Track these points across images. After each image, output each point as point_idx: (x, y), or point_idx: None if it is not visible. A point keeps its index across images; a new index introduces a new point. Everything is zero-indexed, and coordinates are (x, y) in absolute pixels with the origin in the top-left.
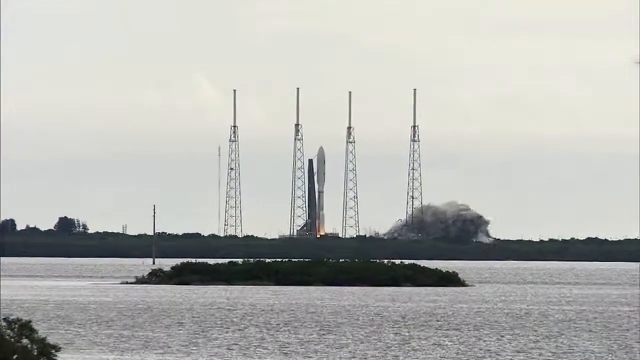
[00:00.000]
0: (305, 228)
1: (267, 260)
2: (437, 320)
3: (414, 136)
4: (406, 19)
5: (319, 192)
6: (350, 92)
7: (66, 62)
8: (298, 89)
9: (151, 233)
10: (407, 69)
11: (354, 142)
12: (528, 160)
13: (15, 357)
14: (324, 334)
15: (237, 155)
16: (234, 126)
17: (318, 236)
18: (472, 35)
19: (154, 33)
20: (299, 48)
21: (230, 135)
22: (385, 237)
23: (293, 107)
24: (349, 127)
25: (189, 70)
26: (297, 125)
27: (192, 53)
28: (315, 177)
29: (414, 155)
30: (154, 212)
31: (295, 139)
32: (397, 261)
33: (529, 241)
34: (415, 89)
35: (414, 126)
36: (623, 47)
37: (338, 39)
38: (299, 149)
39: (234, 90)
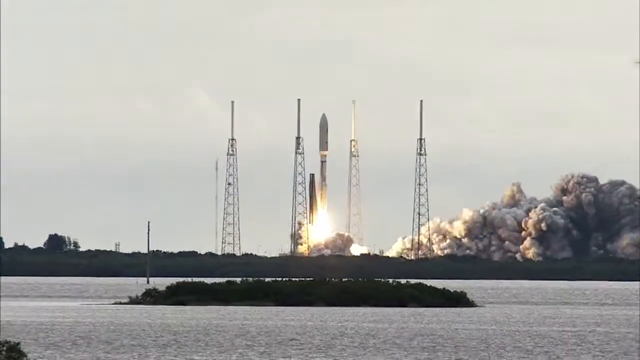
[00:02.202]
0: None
1: (267, 279)
2: (444, 341)
3: (421, 149)
4: (412, 29)
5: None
6: (353, 103)
7: (58, 75)
8: (299, 100)
9: (145, 251)
10: (413, 79)
11: (358, 155)
12: (540, 174)
13: None
14: (322, 357)
15: (235, 170)
16: (232, 139)
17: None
18: (480, 45)
19: (150, 44)
20: (300, 58)
21: (228, 149)
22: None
23: (294, 119)
24: (353, 140)
25: (185, 82)
26: (297, 138)
27: (189, 64)
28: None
29: (420, 169)
30: (148, 229)
31: (296, 153)
32: (403, 280)
33: (539, 260)
34: (421, 101)
35: (421, 139)
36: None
37: (341, 49)
38: (299, 163)
39: (232, 102)
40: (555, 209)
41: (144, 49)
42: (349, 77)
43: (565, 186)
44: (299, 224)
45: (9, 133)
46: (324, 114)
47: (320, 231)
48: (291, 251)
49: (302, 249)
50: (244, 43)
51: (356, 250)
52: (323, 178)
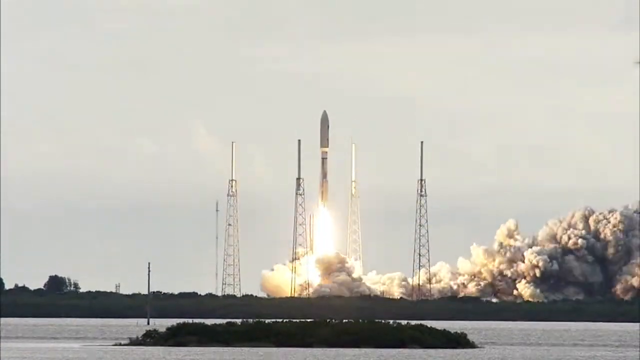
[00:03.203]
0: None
1: (267, 320)
2: None
3: (421, 190)
4: (412, 68)
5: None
6: (353, 145)
7: (57, 114)
8: (299, 141)
9: (145, 292)
10: (413, 119)
11: (358, 196)
12: (543, 214)
13: None
14: None
15: (235, 211)
16: (233, 180)
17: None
18: (481, 84)
19: (150, 83)
20: (301, 97)
21: (229, 190)
22: None
23: (294, 160)
24: (353, 181)
25: (186, 122)
26: (298, 179)
27: (189, 103)
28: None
29: (420, 210)
30: (149, 270)
31: (296, 194)
32: (403, 322)
33: (540, 302)
34: (422, 142)
35: (421, 180)
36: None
37: (341, 89)
38: (300, 204)
39: (232, 142)
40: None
41: (144, 88)
42: (349, 117)
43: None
44: (298, 258)
45: (9, 173)
46: (324, 111)
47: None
48: (291, 292)
49: (303, 291)
50: (244, 83)
51: (357, 269)
52: (324, 175)
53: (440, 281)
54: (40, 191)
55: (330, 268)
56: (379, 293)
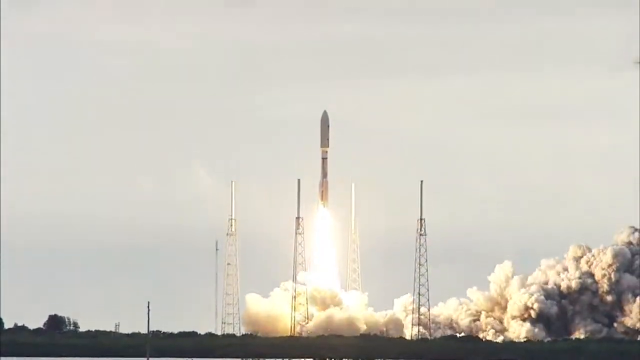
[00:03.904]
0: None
1: None
2: None
3: (421, 229)
4: (412, 106)
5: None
6: (353, 185)
7: (57, 152)
8: (299, 180)
9: (145, 331)
10: (413, 158)
11: (357, 235)
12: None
13: None
14: None
15: (235, 250)
16: (232, 219)
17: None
18: (481, 123)
19: (149, 122)
20: (300, 136)
21: (228, 229)
22: None
23: (294, 199)
24: (352, 220)
25: (184, 161)
26: (298, 218)
27: (189, 143)
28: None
29: (420, 249)
30: (148, 310)
31: (296, 233)
32: None
33: (539, 340)
34: (422, 181)
35: (421, 219)
36: None
37: (340, 127)
38: (300, 244)
39: (232, 182)
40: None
41: (144, 129)
42: (349, 157)
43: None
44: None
45: (9, 211)
46: (325, 111)
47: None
48: (291, 330)
49: (303, 329)
50: (243, 122)
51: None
52: (324, 174)
53: (439, 322)
54: (40, 230)
55: (325, 303)
56: (378, 332)
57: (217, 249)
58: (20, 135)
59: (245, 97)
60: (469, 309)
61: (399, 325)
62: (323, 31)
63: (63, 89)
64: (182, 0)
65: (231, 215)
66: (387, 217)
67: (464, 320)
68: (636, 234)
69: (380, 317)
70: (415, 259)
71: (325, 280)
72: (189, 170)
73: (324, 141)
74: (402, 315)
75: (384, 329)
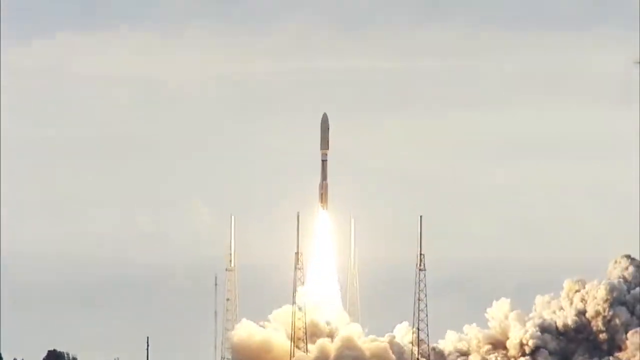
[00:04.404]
0: None
1: None
2: None
3: (420, 265)
4: (411, 141)
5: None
6: (352, 220)
7: (56, 188)
8: (298, 213)
9: None
10: (413, 194)
11: (357, 271)
12: (544, 288)
13: None
14: None
15: (234, 285)
16: (231, 254)
17: None
18: (482, 157)
19: (149, 157)
20: (299, 171)
21: (228, 264)
22: None
23: (293, 233)
24: (352, 256)
25: (184, 196)
26: (297, 253)
27: (188, 178)
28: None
29: (419, 284)
30: (147, 345)
31: (295, 268)
32: None
33: None
34: (421, 216)
35: (420, 254)
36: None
37: (340, 163)
38: (299, 279)
39: (232, 216)
40: None
41: (141, 162)
42: (348, 190)
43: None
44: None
45: (8, 246)
46: (325, 113)
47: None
48: None
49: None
50: (242, 157)
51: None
52: (324, 177)
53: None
54: (40, 266)
55: (321, 333)
56: None
57: (216, 284)
58: (18, 173)
59: (244, 131)
60: (469, 345)
61: (400, 350)
62: (321, 64)
63: (60, 124)
64: (180, 33)
65: (230, 250)
66: (386, 252)
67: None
68: (630, 267)
69: (379, 343)
70: (415, 293)
71: (324, 307)
72: (188, 207)
73: (324, 144)
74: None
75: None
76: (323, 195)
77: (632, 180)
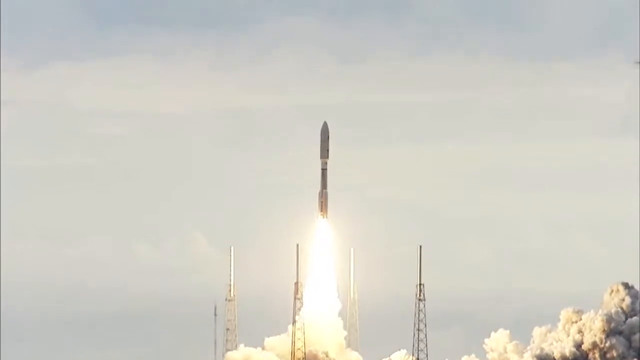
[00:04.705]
0: None
1: None
2: None
3: (420, 295)
4: (410, 172)
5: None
6: (351, 250)
7: (54, 218)
8: (297, 245)
9: None
10: (412, 224)
11: (356, 301)
12: (542, 320)
13: None
14: None
15: (234, 316)
16: (231, 284)
17: None
18: (481, 188)
19: (148, 187)
20: (299, 202)
21: (227, 294)
22: None
23: (292, 264)
24: (351, 286)
25: (183, 227)
26: (296, 283)
27: (186, 208)
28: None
29: (419, 314)
30: None
31: (295, 298)
32: None
33: None
34: (420, 246)
35: (420, 284)
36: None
37: (339, 193)
38: (299, 309)
39: (231, 247)
40: None
41: (140, 193)
42: (347, 223)
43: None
44: None
45: (6, 276)
46: (325, 122)
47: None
48: None
49: None
50: (241, 188)
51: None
52: (324, 186)
53: None
54: (37, 295)
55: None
56: None
57: (215, 315)
58: (17, 203)
59: (242, 163)
60: None
61: None
62: (320, 97)
63: (58, 154)
64: (178, 66)
65: (230, 280)
66: (385, 281)
67: None
68: (627, 298)
69: None
70: (414, 324)
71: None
72: (188, 237)
73: (324, 152)
74: None
75: None
76: (323, 204)
77: (630, 210)
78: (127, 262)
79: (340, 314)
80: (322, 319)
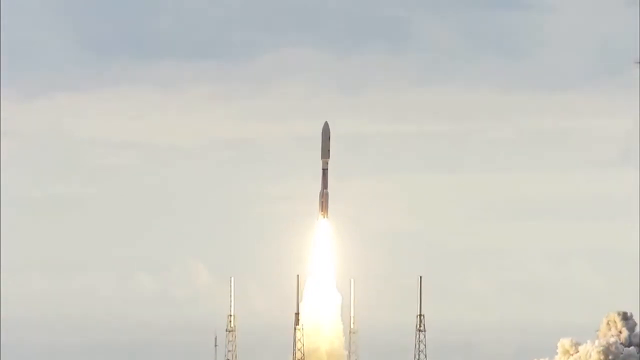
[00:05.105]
0: None
1: None
2: None
3: (420, 325)
4: (410, 203)
5: None
6: (352, 280)
7: (57, 248)
8: (298, 276)
9: None
10: (412, 254)
11: (356, 333)
12: (542, 351)
13: None
14: None
15: (234, 346)
16: (231, 315)
17: None
18: (481, 219)
19: (149, 217)
20: (298, 232)
21: (227, 325)
22: None
23: (293, 295)
24: (351, 317)
25: (184, 257)
26: (296, 314)
27: (188, 239)
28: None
29: (419, 345)
30: None
31: (295, 329)
32: None
33: None
34: (420, 276)
35: (420, 315)
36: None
37: (339, 224)
38: (299, 339)
39: (231, 278)
40: None
41: (141, 223)
42: (347, 253)
43: None
44: None
45: (7, 307)
46: (326, 122)
47: None
48: None
49: None
50: (242, 218)
51: None
52: (325, 185)
53: None
54: (39, 326)
55: None
56: None
57: (215, 345)
58: (17, 233)
59: (243, 193)
60: None
61: None
62: (320, 127)
63: (60, 184)
64: (177, 95)
65: (230, 311)
66: (386, 312)
67: None
68: (624, 330)
69: None
70: (415, 356)
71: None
72: (188, 268)
73: (325, 152)
74: None
75: None
76: (324, 204)
77: (630, 241)
78: (128, 293)
79: (342, 333)
80: (322, 315)
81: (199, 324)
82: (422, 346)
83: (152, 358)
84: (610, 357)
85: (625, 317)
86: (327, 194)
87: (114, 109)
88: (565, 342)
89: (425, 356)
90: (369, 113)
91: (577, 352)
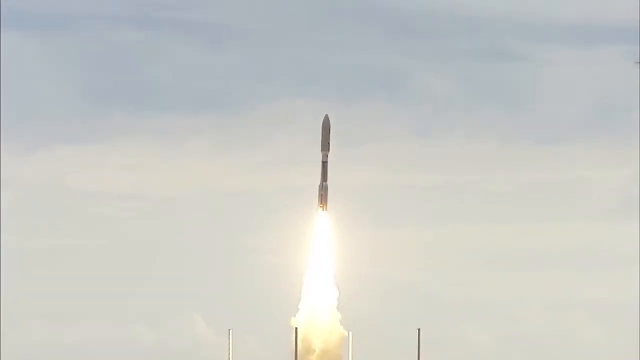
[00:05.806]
0: None
1: None
2: None
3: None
4: (408, 254)
5: None
6: (349, 333)
7: (54, 299)
8: (296, 329)
9: None
10: (410, 306)
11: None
12: None
13: None
14: None
15: None
16: None
17: None
18: (480, 270)
19: (142, 270)
20: (294, 283)
21: None
22: None
23: (291, 346)
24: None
25: (182, 310)
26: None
27: (186, 291)
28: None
29: None
30: None
31: None
32: None
33: None
34: (419, 329)
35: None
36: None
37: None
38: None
39: (229, 330)
40: None
41: (139, 273)
42: (345, 304)
43: None
44: None
45: (7, 358)
46: (326, 115)
47: None
48: None
49: None
50: (240, 270)
51: None
52: (324, 178)
53: None
54: None
55: None
56: None
57: None
58: (16, 285)
59: (242, 244)
60: None
61: None
62: (318, 178)
63: (58, 237)
64: (171, 147)
65: None
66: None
67: None
68: None
69: None
70: None
71: None
72: (186, 321)
73: (325, 145)
74: None
75: None
76: (323, 196)
77: (630, 293)
78: (125, 345)
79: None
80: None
81: None
82: None
83: None
84: None
85: None
86: (326, 187)
87: (114, 160)
88: None
89: None
90: (367, 164)
91: None
